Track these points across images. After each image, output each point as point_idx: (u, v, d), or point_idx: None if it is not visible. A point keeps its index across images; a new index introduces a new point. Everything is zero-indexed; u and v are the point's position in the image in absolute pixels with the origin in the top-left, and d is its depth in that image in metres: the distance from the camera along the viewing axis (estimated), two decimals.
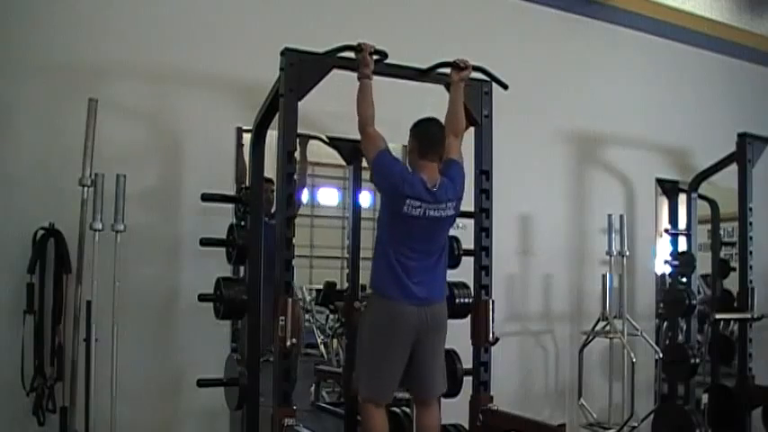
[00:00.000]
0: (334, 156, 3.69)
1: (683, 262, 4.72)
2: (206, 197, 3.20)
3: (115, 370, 3.06)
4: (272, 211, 3.07)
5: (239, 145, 3.63)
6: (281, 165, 2.75)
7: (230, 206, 3.48)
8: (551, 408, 4.69)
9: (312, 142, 3.76)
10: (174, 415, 3.50)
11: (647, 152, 5.18)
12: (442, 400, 3.14)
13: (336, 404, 3.94)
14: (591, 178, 4.99)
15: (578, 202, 4.91)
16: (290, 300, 2.66)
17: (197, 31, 3.64)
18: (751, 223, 4.47)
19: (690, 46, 5.50)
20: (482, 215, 3.15)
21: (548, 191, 4.75)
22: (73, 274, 3.15)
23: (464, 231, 3.51)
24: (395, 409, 3.48)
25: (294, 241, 2.75)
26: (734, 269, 4.71)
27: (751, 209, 4.47)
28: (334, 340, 4.12)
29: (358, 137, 2.96)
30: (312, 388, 4.08)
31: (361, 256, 3.54)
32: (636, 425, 4.39)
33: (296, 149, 2.77)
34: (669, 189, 5.13)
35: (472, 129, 3.18)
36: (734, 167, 4.54)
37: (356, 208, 3.61)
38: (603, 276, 4.47)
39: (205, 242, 3.20)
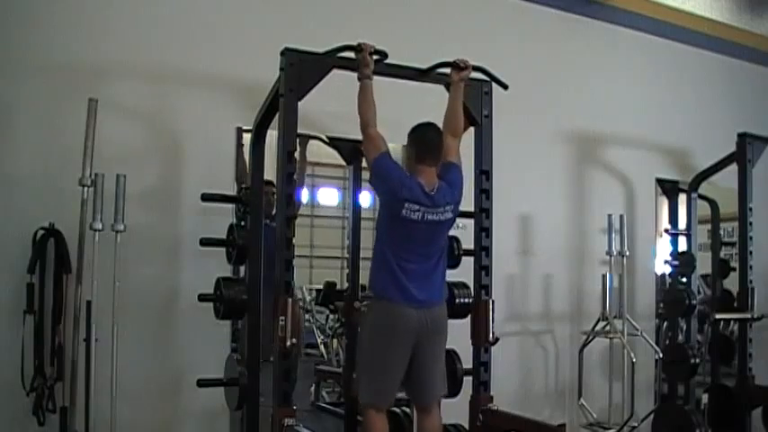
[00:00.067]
0: (334, 156, 3.69)
1: (683, 262, 4.72)
2: (206, 197, 3.21)
3: (115, 370, 3.06)
4: (273, 213, 3.07)
5: (239, 145, 3.63)
6: (281, 165, 2.75)
7: (230, 206, 3.48)
8: (551, 408, 4.69)
9: (312, 142, 3.76)
10: (174, 415, 3.50)
11: (647, 152, 5.19)
12: (442, 400, 3.13)
13: (336, 404, 3.94)
14: (591, 178, 4.99)
15: (578, 202, 4.91)
16: (290, 300, 2.66)
17: (197, 31, 3.64)
18: (751, 223, 4.47)
19: (690, 46, 5.50)
20: (482, 215, 3.15)
21: (548, 191, 4.75)
22: (73, 274, 3.15)
23: (464, 231, 3.51)
24: (395, 409, 3.47)
25: (294, 241, 2.75)
26: (734, 269, 4.71)
27: (751, 209, 4.47)
28: (334, 340, 4.12)
29: (358, 137, 2.96)
30: (312, 388, 4.08)
31: (361, 256, 3.54)
32: (636, 425, 4.39)
33: (296, 149, 2.77)
34: (669, 189, 5.13)
35: (472, 129, 3.18)
36: (734, 167, 4.54)
37: (356, 208, 3.61)
38: (603, 276, 4.47)
39: (205, 242, 3.20)
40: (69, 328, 3.11)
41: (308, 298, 4.07)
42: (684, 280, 4.73)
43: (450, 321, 3.01)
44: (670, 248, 4.84)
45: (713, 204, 5.06)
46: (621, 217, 4.59)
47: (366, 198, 3.68)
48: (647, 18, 5.29)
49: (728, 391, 4.56)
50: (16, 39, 3.27)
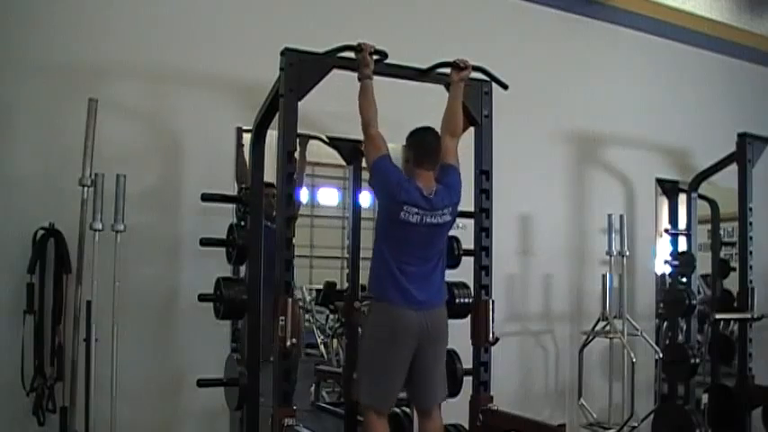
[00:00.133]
0: (334, 156, 3.68)
1: (683, 262, 4.72)
2: (206, 197, 3.20)
3: (115, 370, 3.06)
4: (273, 214, 3.07)
5: (239, 145, 3.63)
6: (281, 165, 2.75)
7: (230, 206, 3.48)
8: (551, 408, 4.69)
9: (312, 142, 3.76)
10: (174, 415, 3.50)
11: (647, 152, 5.19)
12: None
13: (336, 404, 3.94)
14: (591, 178, 4.99)
15: (578, 202, 4.91)
16: (290, 300, 2.66)
17: (197, 31, 3.64)
18: (751, 223, 4.47)
19: (690, 46, 5.50)
20: (482, 215, 3.15)
21: (548, 191, 4.75)
22: (73, 274, 3.15)
23: (464, 231, 3.51)
24: (395, 409, 3.47)
25: (294, 241, 2.75)
26: (734, 269, 4.71)
27: (751, 209, 4.47)
28: (334, 340, 4.12)
29: (358, 137, 2.96)
30: (312, 388, 4.08)
31: (361, 256, 3.54)
32: (636, 425, 4.39)
33: (296, 149, 2.76)
34: (669, 189, 5.12)
35: (472, 129, 3.18)
36: (734, 167, 4.54)
37: (356, 208, 3.61)
38: (603, 276, 4.47)
39: (205, 242, 3.20)
40: (69, 328, 3.10)
41: (308, 298, 4.07)
42: (684, 280, 4.73)
43: (451, 321, 3.02)
44: (670, 248, 4.84)
45: (713, 204, 5.06)
46: (621, 217, 4.59)
47: (366, 198, 3.67)
48: (647, 18, 5.29)
49: (728, 391, 4.56)
50: (16, 39, 3.27)
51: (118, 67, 3.45)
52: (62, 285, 3.18)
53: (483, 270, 3.13)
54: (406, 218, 2.81)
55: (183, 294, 3.47)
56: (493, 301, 3.10)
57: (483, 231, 3.15)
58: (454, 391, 3.23)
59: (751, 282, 4.44)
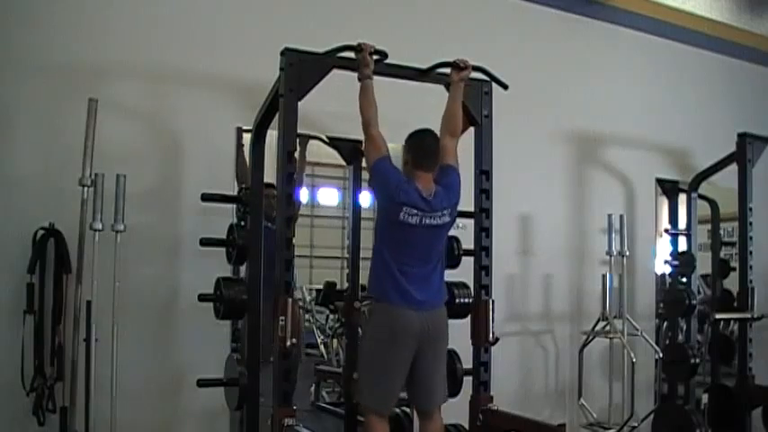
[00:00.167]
0: (334, 156, 3.68)
1: (683, 262, 4.72)
2: (206, 197, 3.20)
3: (115, 370, 3.06)
4: (274, 215, 3.07)
5: (239, 145, 3.63)
6: (281, 165, 2.75)
7: (230, 206, 3.48)
8: (551, 408, 4.69)
9: (312, 142, 3.76)
10: (174, 415, 3.50)
11: (647, 152, 5.19)
12: None
13: (336, 404, 3.93)
14: (591, 178, 4.99)
15: (578, 202, 4.91)
16: (290, 300, 2.66)
17: (197, 31, 3.64)
18: (751, 223, 4.47)
19: (690, 46, 5.50)
20: (482, 215, 3.15)
21: (548, 191, 4.75)
22: (73, 274, 3.15)
23: (464, 231, 3.51)
24: (395, 409, 3.47)
25: (294, 241, 2.75)
26: (734, 269, 4.71)
27: (751, 209, 4.47)
28: (334, 340, 4.12)
29: (358, 137, 2.96)
30: (312, 388, 4.08)
31: (361, 256, 3.54)
32: (636, 425, 4.40)
33: (296, 149, 2.76)
34: (669, 189, 5.12)
35: (472, 129, 3.18)
36: (734, 167, 4.54)
37: (356, 208, 3.60)
38: (603, 276, 4.47)
39: (205, 242, 3.20)
40: (69, 328, 3.10)
41: (308, 298, 4.07)
42: (684, 280, 4.73)
43: (451, 321, 3.01)
44: (670, 248, 4.84)
45: (713, 204, 5.05)
46: (621, 217, 4.59)
47: (366, 198, 3.67)
48: (647, 18, 5.29)
49: (728, 391, 4.56)
50: (16, 39, 3.27)
51: (118, 67, 3.45)
52: (62, 285, 3.18)
53: (483, 270, 3.13)
54: (405, 219, 2.81)
55: (183, 294, 3.47)
56: (493, 301, 3.09)
57: (483, 231, 3.14)
58: (454, 391, 3.23)
59: (751, 282, 4.44)
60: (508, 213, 4.28)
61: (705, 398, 4.48)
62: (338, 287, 3.86)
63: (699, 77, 5.53)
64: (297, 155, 2.77)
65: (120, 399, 3.07)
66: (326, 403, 4.04)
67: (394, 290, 2.84)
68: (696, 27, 5.55)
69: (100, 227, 3.06)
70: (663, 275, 5.11)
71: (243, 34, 3.72)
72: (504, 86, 3.14)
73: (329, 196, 4.21)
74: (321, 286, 4.02)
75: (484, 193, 3.15)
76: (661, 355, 4.62)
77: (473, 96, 3.13)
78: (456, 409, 3.15)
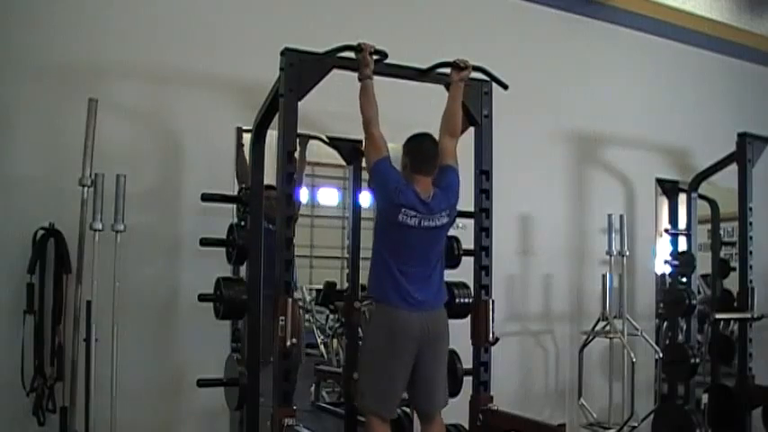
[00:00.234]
0: (334, 156, 3.68)
1: (683, 262, 4.72)
2: (206, 197, 3.20)
3: (115, 370, 3.06)
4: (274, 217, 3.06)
5: (239, 145, 3.63)
6: (281, 165, 2.75)
7: (230, 206, 3.48)
8: (551, 408, 4.69)
9: (312, 142, 3.76)
10: (174, 415, 3.50)
11: (647, 152, 5.18)
12: None
13: (336, 404, 3.94)
14: (591, 178, 4.99)
15: (578, 202, 4.91)
16: (289, 300, 2.66)
17: (197, 31, 3.64)
18: (751, 223, 4.47)
19: (690, 46, 5.50)
20: (482, 215, 3.15)
21: (548, 191, 4.75)
22: (73, 274, 3.15)
23: (464, 231, 3.51)
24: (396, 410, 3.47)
25: (294, 241, 2.75)
26: (734, 269, 4.71)
27: (751, 209, 4.48)
28: (334, 340, 4.12)
29: (358, 137, 2.96)
30: (312, 388, 4.08)
31: (361, 256, 3.54)
32: (636, 425, 4.39)
33: (296, 149, 2.77)
34: (669, 189, 5.12)
35: (472, 129, 3.18)
36: (734, 167, 4.54)
37: (356, 208, 3.60)
38: (603, 276, 4.47)
39: (205, 242, 3.20)
40: (69, 328, 3.10)
41: (308, 298, 4.07)
42: (684, 280, 4.73)
43: (451, 321, 3.01)
44: (670, 248, 4.84)
45: (713, 204, 5.06)
46: (621, 217, 4.59)
47: (366, 198, 3.67)
48: (648, 18, 5.29)
49: (728, 391, 4.56)
50: (16, 39, 3.27)
51: (118, 67, 3.45)
52: (62, 285, 3.18)
53: (483, 270, 3.13)
54: (403, 220, 2.81)
55: (183, 294, 3.47)
56: (493, 301, 3.10)
57: (483, 231, 3.15)
58: (454, 391, 3.23)
59: (751, 282, 4.44)
60: (508, 213, 4.28)
61: (705, 398, 4.48)
62: (338, 287, 3.86)
63: (699, 77, 5.53)
64: (297, 155, 2.77)
65: (120, 399, 3.07)
66: (326, 403, 4.04)
67: (394, 290, 2.84)
68: (696, 27, 5.55)
69: (100, 227, 3.06)
70: (663, 275, 5.11)
71: (243, 34, 3.72)
72: (504, 86, 3.14)
73: (329, 196, 4.22)
74: (321, 286, 4.02)
75: (484, 193, 3.15)
76: (661, 355, 4.62)
77: (473, 96, 3.13)
78: (456, 409, 3.15)
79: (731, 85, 5.70)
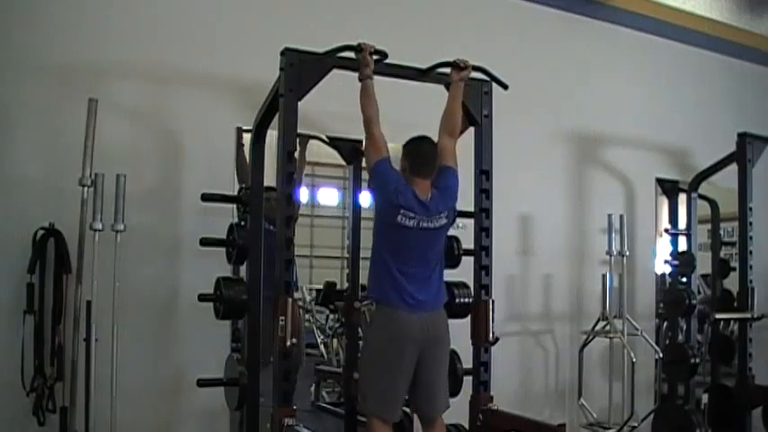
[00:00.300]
0: (334, 156, 3.68)
1: (683, 262, 4.72)
2: (206, 197, 3.20)
3: (115, 370, 3.06)
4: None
5: (239, 145, 3.63)
6: (281, 165, 2.75)
7: (230, 206, 3.48)
8: (551, 408, 4.69)
9: (312, 142, 3.76)
10: (174, 415, 3.50)
11: (647, 152, 5.19)
12: None
13: (336, 404, 3.94)
14: (591, 178, 4.99)
15: (578, 202, 4.91)
16: (290, 300, 2.66)
17: (197, 32, 3.64)
18: (751, 223, 4.47)
19: (690, 46, 5.50)
20: (482, 215, 3.15)
21: (548, 191, 4.75)
22: (73, 274, 3.15)
23: (464, 231, 3.51)
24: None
25: (294, 241, 2.75)
26: (734, 269, 4.71)
27: (751, 209, 4.48)
28: (334, 340, 4.12)
29: (358, 137, 2.96)
30: (312, 388, 4.08)
31: (361, 256, 3.54)
32: (636, 425, 4.39)
33: (296, 149, 2.77)
34: (669, 189, 5.12)
35: (472, 129, 3.18)
36: (734, 167, 4.54)
37: (356, 208, 3.60)
38: (603, 276, 4.47)
39: (205, 242, 3.20)
40: (69, 328, 3.10)
41: (308, 298, 4.07)
42: (684, 280, 4.73)
43: (451, 321, 3.02)
44: (670, 248, 4.84)
45: (713, 204, 5.06)
46: (621, 217, 4.59)
47: (366, 198, 3.67)
48: (648, 18, 5.29)
49: (728, 391, 4.56)
50: (16, 39, 3.27)
51: (118, 67, 3.45)
52: (62, 285, 3.18)
53: (483, 270, 3.13)
54: (402, 221, 2.81)
55: (183, 294, 3.47)
56: (493, 301, 3.10)
57: (483, 231, 3.15)
58: (454, 390, 3.23)
59: (751, 282, 4.44)
60: (508, 213, 4.28)
61: (705, 398, 4.48)
62: (338, 287, 3.87)
63: (699, 77, 5.53)
64: (297, 155, 2.77)
65: (120, 399, 3.07)
66: (326, 403, 4.04)
67: (393, 290, 2.85)
68: (696, 27, 5.55)
69: (100, 227, 3.06)
70: (663, 275, 5.11)
71: (243, 34, 3.72)
72: (504, 86, 3.14)
73: (329, 196, 4.22)
74: (321, 286, 4.02)
75: (484, 193, 3.15)
76: (661, 355, 4.62)
77: (473, 96, 3.13)
78: (456, 409, 3.15)
79: (731, 85, 5.70)
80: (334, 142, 3.67)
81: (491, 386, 3.09)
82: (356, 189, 3.62)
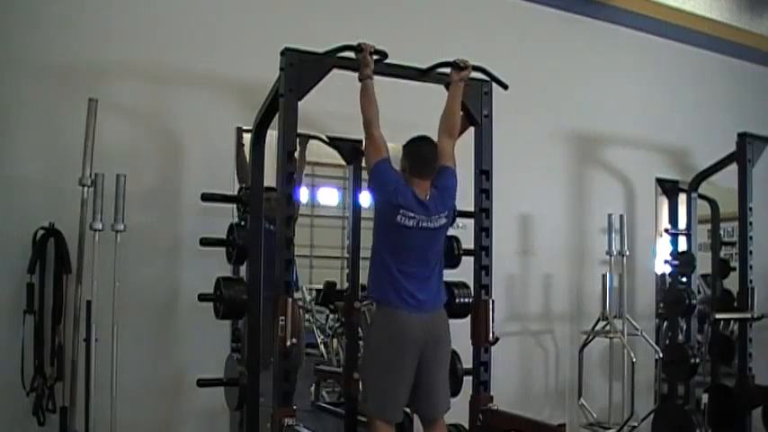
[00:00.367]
0: (334, 156, 3.68)
1: (683, 262, 4.72)
2: (206, 197, 3.20)
3: (115, 370, 3.06)
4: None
5: (239, 145, 3.63)
6: (281, 165, 2.75)
7: (230, 206, 3.48)
8: (551, 408, 4.69)
9: (312, 142, 3.76)
10: (174, 415, 3.50)
11: (647, 152, 5.19)
12: None
13: (336, 404, 3.93)
14: (591, 178, 4.99)
15: (578, 202, 4.91)
16: (290, 300, 2.66)
17: (197, 31, 3.64)
18: (751, 223, 4.47)
19: (690, 46, 5.51)
20: (482, 215, 3.15)
21: (548, 191, 4.76)
22: (73, 274, 3.15)
23: (464, 231, 3.51)
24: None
25: (294, 241, 2.75)
26: (734, 269, 4.71)
27: (751, 209, 4.48)
28: (334, 340, 4.12)
29: (358, 137, 2.96)
30: (312, 388, 4.08)
31: (361, 256, 3.54)
32: (636, 425, 4.40)
33: (296, 149, 2.76)
34: (669, 189, 5.12)
35: (472, 129, 3.18)
36: (734, 167, 4.54)
37: (356, 208, 3.60)
38: (603, 276, 4.47)
39: (205, 242, 3.20)
40: (69, 328, 3.10)
41: (308, 298, 4.07)
42: (684, 280, 4.73)
43: (451, 321, 3.02)
44: (670, 248, 4.84)
45: (713, 204, 5.06)
46: (621, 217, 4.59)
47: (366, 198, 3.67)
48: (648, 18, 5.29)
49: (728, 391, 4.56)
50: (16, 39, 3.27)
51: (118, 67, 3.45)
52: (62, 285, 3.18)
53: (483, 270, 3.13)
54: (402, 222, 2.82)
55: (183, 294, 3.47)
56: (493, 301, 3.10)
57: (483, 231, 3.14)
58: (454, 390, 3.23)
59: (751, 282, 4.44)
60: (508, 213, 4.28)
61: (705, 398, 4.48)
62: (338, 287, 3.86)
63: (699, 77, 5.53)
64: (297, 155, 2.77)
65: (120, 399, 3.07)
66: (326, 403, 4.04)
67: (393, 290, 2.85)
68: (696, 27, 5.55)
69: (100, 227, 3.06)
70: (663, 275, 5.11)
71: (243, 34, 3.72)
72: (504, 86, 3.14)
73: (329, 196, 4.21)
74: (321, 286, 4.02)
75: (484, 193, 3.15)
76: (661, 355, 4.62)
77: (473, 96, 3.13)
78: (456, 409, 3.14)
79: (731, 85, 5.70)
80: (334, 142, 3.67)
81: (491, 386, 3.09)
82: (356, 189, 3.62)
